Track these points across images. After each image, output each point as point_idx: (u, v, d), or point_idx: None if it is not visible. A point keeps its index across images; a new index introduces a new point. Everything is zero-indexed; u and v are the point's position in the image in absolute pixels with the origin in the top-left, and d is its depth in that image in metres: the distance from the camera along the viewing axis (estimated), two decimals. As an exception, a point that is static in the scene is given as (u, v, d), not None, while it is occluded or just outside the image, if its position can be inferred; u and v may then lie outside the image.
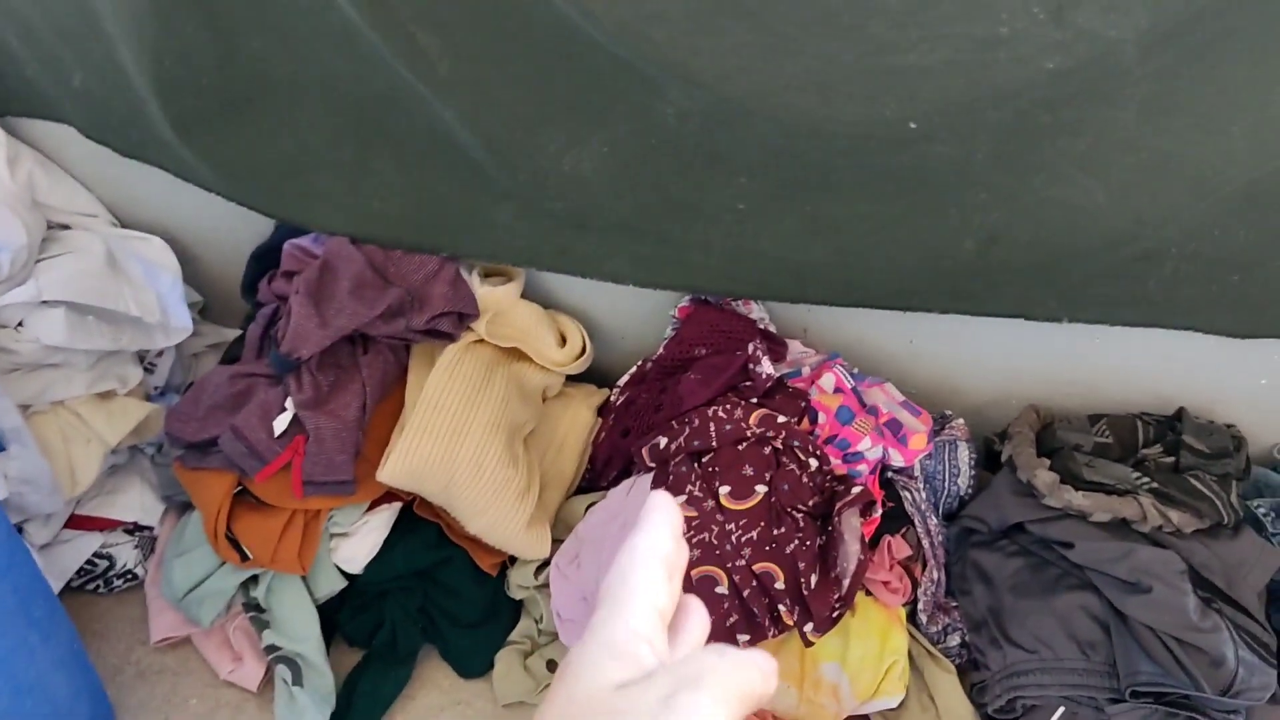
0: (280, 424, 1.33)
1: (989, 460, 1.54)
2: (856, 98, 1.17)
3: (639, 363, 1.56)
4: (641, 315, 1.58)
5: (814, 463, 1.35)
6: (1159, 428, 1.45)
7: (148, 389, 1.59)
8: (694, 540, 1.31)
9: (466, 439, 1.36)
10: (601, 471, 1.54)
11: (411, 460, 1.35)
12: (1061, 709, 1.30)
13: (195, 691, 1.49)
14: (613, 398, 1.57)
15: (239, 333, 1.62)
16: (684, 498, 1.34)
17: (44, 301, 1.38)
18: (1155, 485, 1.34)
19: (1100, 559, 1.30)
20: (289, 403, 1.33)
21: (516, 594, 1.51)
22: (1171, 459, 1.40)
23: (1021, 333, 1.40)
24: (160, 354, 1.61)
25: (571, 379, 1.59)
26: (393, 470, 1.35)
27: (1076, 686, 1.29)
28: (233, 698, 1.49)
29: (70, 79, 1.44)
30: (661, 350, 1.52)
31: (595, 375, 1.62)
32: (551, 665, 1.48)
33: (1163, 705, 1.26)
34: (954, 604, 1.44)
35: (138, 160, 1.50)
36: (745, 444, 1.35)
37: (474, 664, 1.51)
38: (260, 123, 1.37)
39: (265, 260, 1.53)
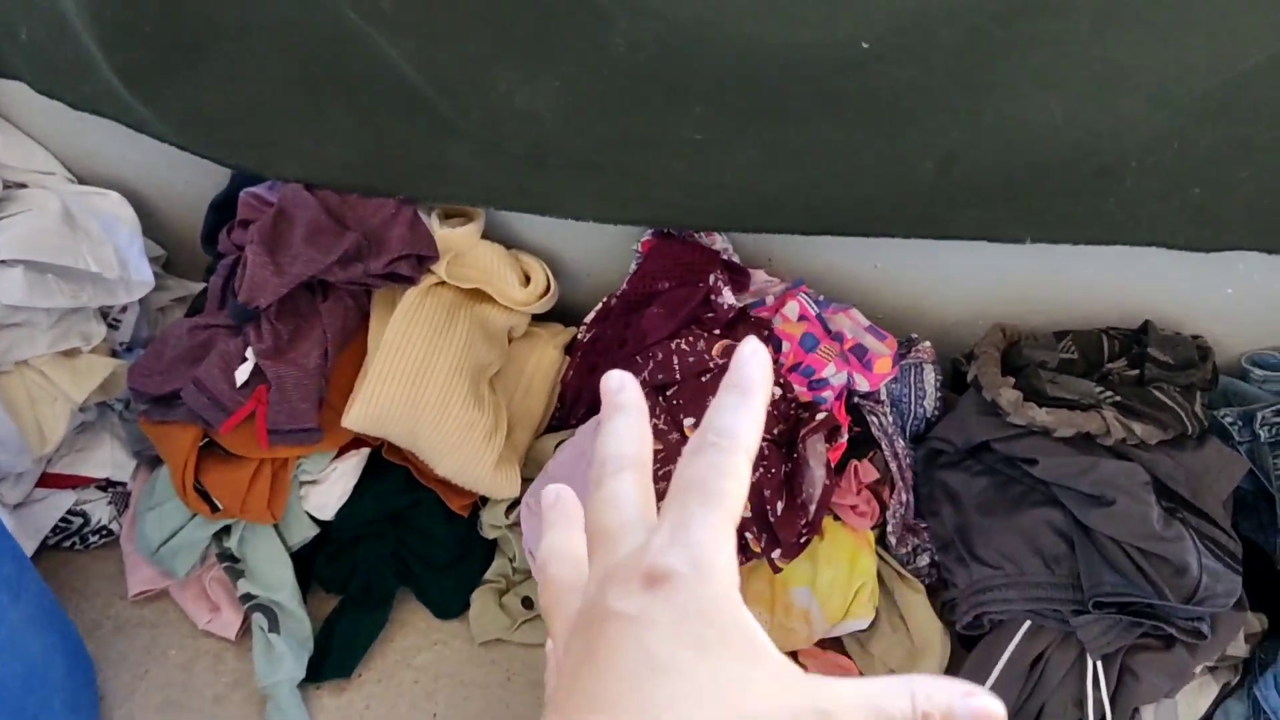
0: (242, 374, 1.33)
1: (957, 381, 1.54)
2: (807, 20, 1.15)
3: (604, 299, 1.56)
4: (605, 251, 1.57)
5: (777, 391, 1.35)
6: (1124, 341, 1.45)
7: (113, 345, 1.58)
8: (660, 473, 1.32)
9: (430, 382, 1.36)
10: (570, 409, 1.55)
11: (375, 406, 1.35)
12: (1028, 623, 1.31)
13: (174, 642, 1.51)
14: (579, 335, 1.56)
15: (204, 285, 1.61)
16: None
17: (1, 261, 1.37)
18: (1118, 398, 1.35)
19: (1064, 474, 1.31)
20: (249, 353, 1.33)
21: (489, 533, 1.52)
22: (1136, 372, 1.40)
23: (987, 253, 1.39)
24: (124, 309, 1.60)
25: (538, 318, 1.58)
26: (357, 416, 1.35)
27: (1042, 600, 1.31)
28: (211, 647, 1.50)
29: (17, 32, 1.42)
30: (625, 285, 1.51)
31: (562, 313, 1.62)
32: (527, 602, 1.50)
33: (1127, 615, 1.27)
34: (923, 525, 1.45)
35: (90, 113, 1.48)
36: (708, 375, 1.35)
37: (450, 604, 1.53)
38: (207, 70, 1.35)
39: (224, 210, 1.52)
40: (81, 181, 1.61)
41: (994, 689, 1.30)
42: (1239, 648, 1.35)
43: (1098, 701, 1.29)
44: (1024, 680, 1.32)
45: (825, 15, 1.14)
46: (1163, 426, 1.32)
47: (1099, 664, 1.29)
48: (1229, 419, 1.41)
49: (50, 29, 1.37)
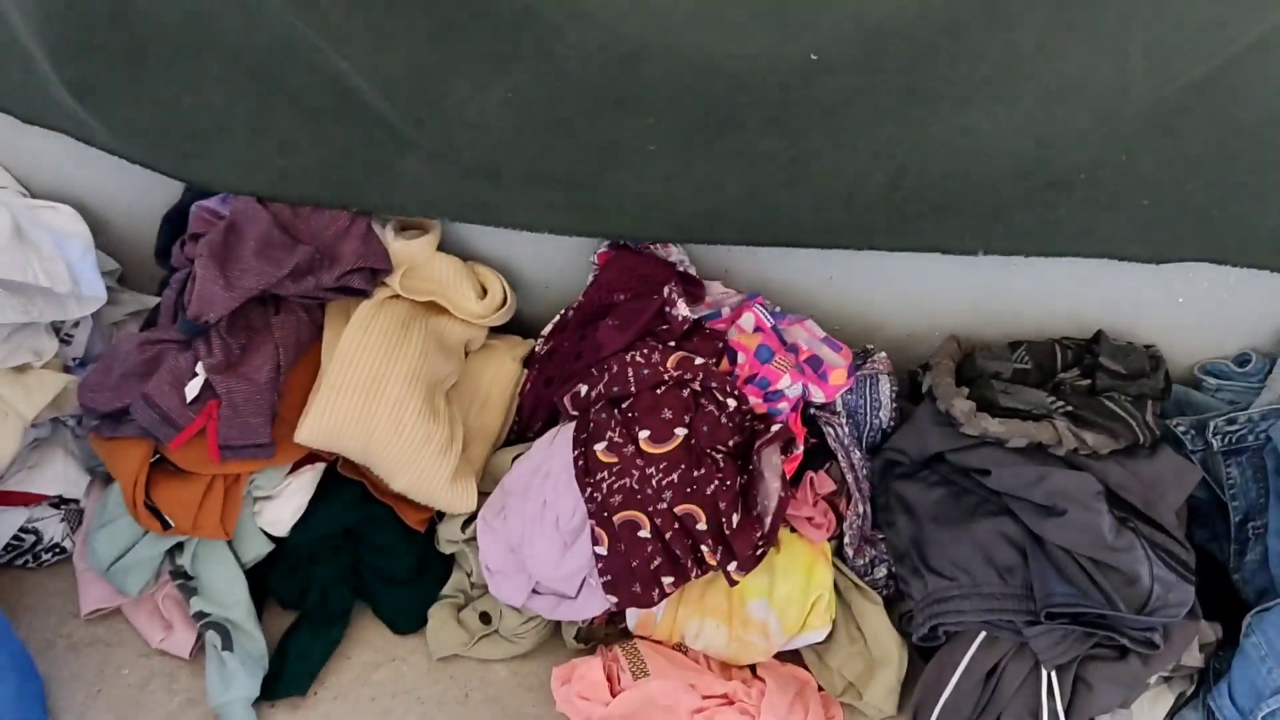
0: (192, 389, 1.32)
1: (913, 392, 1.54)
2: (754, 32, 1.15)
3: (562, 311, 1.55)
4: (563, 263, 1.57)
5: (732, 403, 1.35)
6: (1077, 351, 1.46)
7: (66, 360, 1.56)
8: (615, 486, 1.31)
9: (383, 396, 1.35)
10: (528, 422, 1.54)
11: (328, 420, 1.34)
12: (983, 634, 1.31)
13: (128, 661, 1.49)
14: (537, 348, 1.56)
15: (159, 300, 1.59)
16: (604, 444, 1.33)
17: (-52, 276, 1.36)
18: (1070, 408, 1.35)
19: (1016, 484, 1.31)
20: (199, 367, 1.32)
21: (446, 549, 1.51)
22: (1088, 382, 1.41)
23: (942, 264, 1.40)
24: (77, 324, 1.58)
25: (496, 331, 1.58)
26: (310, 431, 1.34)
27: (995, 611, 1.31)
28: (165, 666, 1.48)
29: (-35, 47, 1.41)
30: (582, 297, 1.51)
31: (520, 326, 1.61)
32: (485, 617, 1.48)
33: (1079, 625, 1.27)
34: (880, 536, 1.45)
35: (40, 126, 1.48)
36: (663, 388, 1.35)
37: (407, 620, 1.51)
38: (156, 81, 1.34)
39: (177, 223, 1.51)
40: (33, 195, 1.59)
41: (950, 700, 1.31)
42: (1194, 658, 1.35)
43: (1052, 712, 1.29)
44: (980, 691, 1.32)
45: (773, 28, 1.14)
46: (1114, 436, 1.32)
47: (1053, 674, 1.30)
48: (1182, 428, 1.42)
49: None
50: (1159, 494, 1.33)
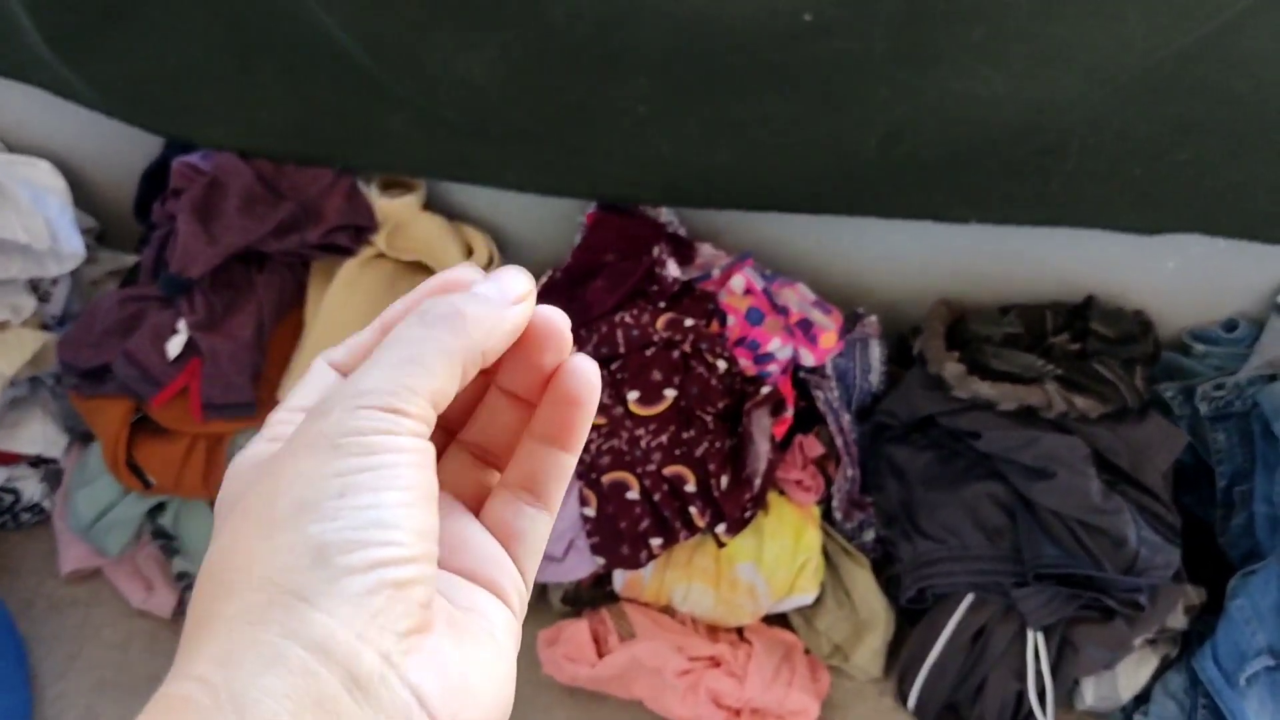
0: (174, 347, 1.30)
1: (902, 356, 1.54)
2: (748, -10, 1.14)
3: (549, 272, 1.54)
4: (550, 223, 1.55)
5: (722, 365, 1.34)
6: (1067, 316, 1.46)
7: (44, 318, 1.54)
8: (604, 447, 1.31)
9: (369, 355, 1.34)
10: (514, 384, 1.53)
11: (313, 379, 1.32)
12: (971, 596, 1.32)
13: (108, 621, 1.47)
14: (523, 309, 1.54)
15: (139, 258, 1.57)
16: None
17: (-77, 231, 1.33)
18: (1060, 372, 1.35)
19: (1006, 447, 1.31)
20: (181, 325, 1.30)
21: (432, 510, 1.50)
22: (1078, 346, 1.41)
23: (934, 229, 1.39)
24: (55, 282, 1.56)
25: (482, 292, 1.56)
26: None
27: (984, 573, 1.31)
28: (146, 626, 1.47)
29: (-60, -2, 1.37)
30: (569, 258, 1.50)
31: (507, 288, 1.59)
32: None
33: (1066, 587, 1.28)
34: (869, 500, 1.45)
35: (18, 81, 1.45)
36: (652, 349, 1.34)
37: (391, 582, 1.51)
38: (137, 34, 1.31)
39: (157, 179, 1.48)
40: (10, 150, 1.56)
41: (937, 662, 1.31)
42: (1178, 620, 1.36)
43: (1038, 673, 1.30)
44: (966, 653, 1.33)
45: (767, -14, 1.13)
46: (1103, 400, 1.32)
47: (1039, 636, 1.30)
48: (1169, 393, 1.42)
49: (-26, -8, 1.33)
50: (1146, 458, 1.33)
